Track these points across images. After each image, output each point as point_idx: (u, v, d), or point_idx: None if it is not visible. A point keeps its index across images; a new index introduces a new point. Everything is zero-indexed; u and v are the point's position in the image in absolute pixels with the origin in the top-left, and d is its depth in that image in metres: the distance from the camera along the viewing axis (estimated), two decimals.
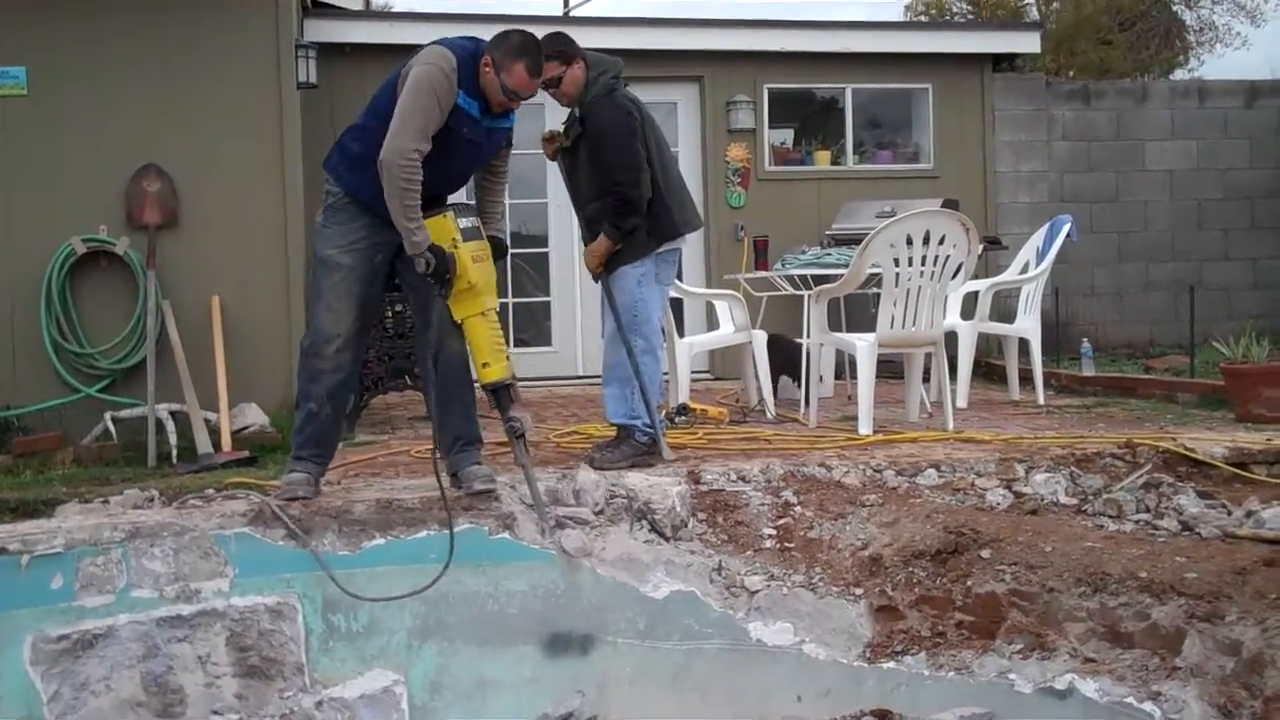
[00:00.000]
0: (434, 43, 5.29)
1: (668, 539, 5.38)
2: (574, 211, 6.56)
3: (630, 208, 6.11)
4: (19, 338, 8.38)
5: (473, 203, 5.60)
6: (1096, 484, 5.81)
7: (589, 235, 6.34)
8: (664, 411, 6.75)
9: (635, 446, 6.16)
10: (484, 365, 5.29)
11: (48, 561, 4.84)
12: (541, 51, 5.36)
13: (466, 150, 5.37)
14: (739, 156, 11.63)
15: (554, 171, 11.28)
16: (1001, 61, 12.46)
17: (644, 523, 5.40)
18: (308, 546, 5.03)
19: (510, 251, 11.38)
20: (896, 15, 25.23)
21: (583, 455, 6.44)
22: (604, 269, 6.28)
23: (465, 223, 5.25)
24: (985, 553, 5.00)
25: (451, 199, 5.51)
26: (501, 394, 5.32)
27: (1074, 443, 6.45)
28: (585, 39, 6.26)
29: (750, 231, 11.32)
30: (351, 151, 5.32)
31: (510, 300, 11.62)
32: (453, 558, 5.03)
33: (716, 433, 7.25)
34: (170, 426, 8.03)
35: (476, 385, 5.51)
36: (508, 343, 11.31)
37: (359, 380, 8.29)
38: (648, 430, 6.19)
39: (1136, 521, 5.40)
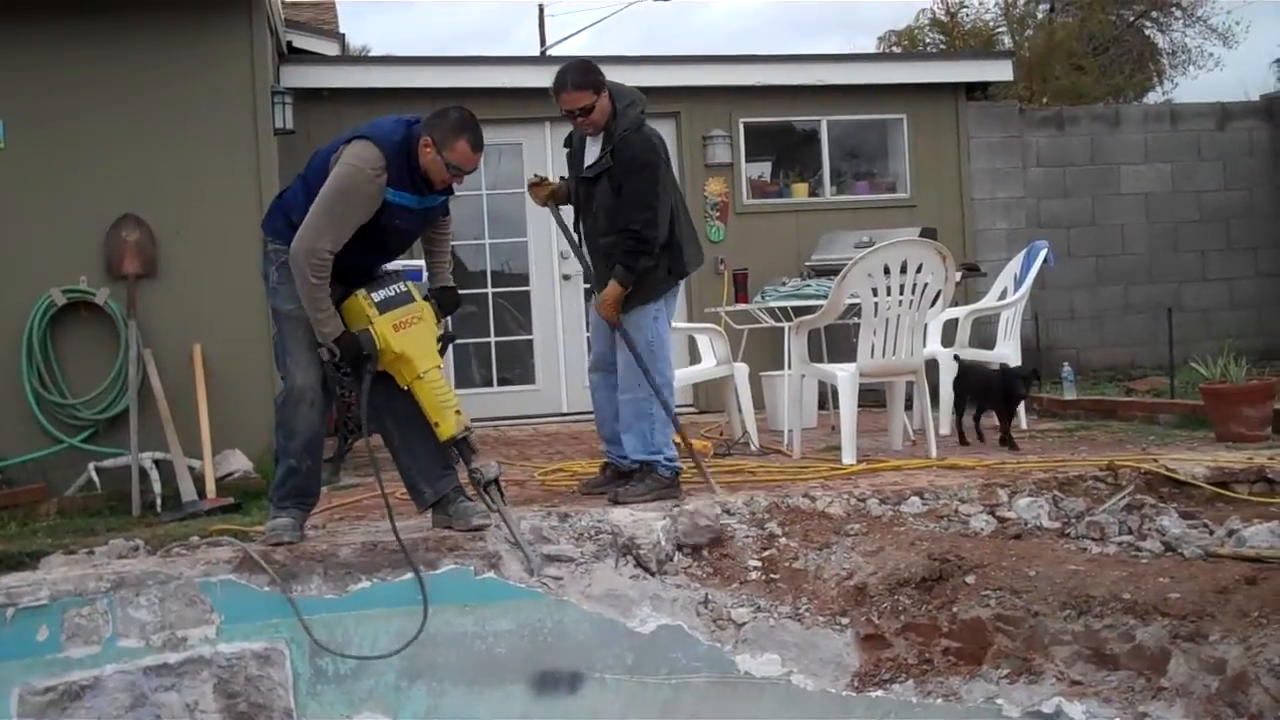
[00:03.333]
0: (363, 135, 5.25)
1: (653, 574, 5.39)
2: (579, 245, 6.38)
3: (646, 248, 6.01)
4: (0, 390, 8.35)
5: (397, 267, 5.63)
6: (1079, 507, 5.83)
7: (601, 269, 6.18)
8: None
9: (659, 480, 6.06)
10: (435, 425, 5.35)
11: (33, 614, 4.83)
12: (479, 127, 5.30)
13: (398, 235, 5.44)
14: (717, 190, 11.68)
15: (533, 211, 11.37)
16: (975, 90, 12.54)
17: (629, 558, 5.41)
18: (288, 596, 5.02)
19: (491, 290, 11.59)
20: (870, 47, 25.38)
21: (567, 493, 6.45)
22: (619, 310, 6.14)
23: (382, 295, 5.31)
24: (970, 579, 5.02)
25: None
26: (461, 446, 5.37)
27: (1056, 466, 6.47)
28: None
29: (730, 265, 11.36)
30: (290, 218, 5.33)
31: (493, 339, 11.64)
32: (440, 600, 5.05)
33: None
34: (154, 475, 8.00)
35: None
36: (492, 382, 11.56)
37: (344, 424, 8.33)
38: (670, 465, 6.14)
39: (1119, 543, 5.41)
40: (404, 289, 5.37)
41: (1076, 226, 12.61)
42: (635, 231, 5.99)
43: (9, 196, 8.45)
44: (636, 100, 6.18)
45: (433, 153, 5.22)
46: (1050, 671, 4.57)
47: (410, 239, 5.60)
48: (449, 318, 5.77)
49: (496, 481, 5.35)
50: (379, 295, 5.30)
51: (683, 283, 6.52)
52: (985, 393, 7.88)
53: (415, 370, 5.30)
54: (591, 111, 6.05)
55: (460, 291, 5.85)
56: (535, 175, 6.57)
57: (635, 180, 6.02)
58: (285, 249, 5.34)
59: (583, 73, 6.07)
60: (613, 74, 6.22)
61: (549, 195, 6.45)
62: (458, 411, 5.36)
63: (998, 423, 7.77)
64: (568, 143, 6.45)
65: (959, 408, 8.04)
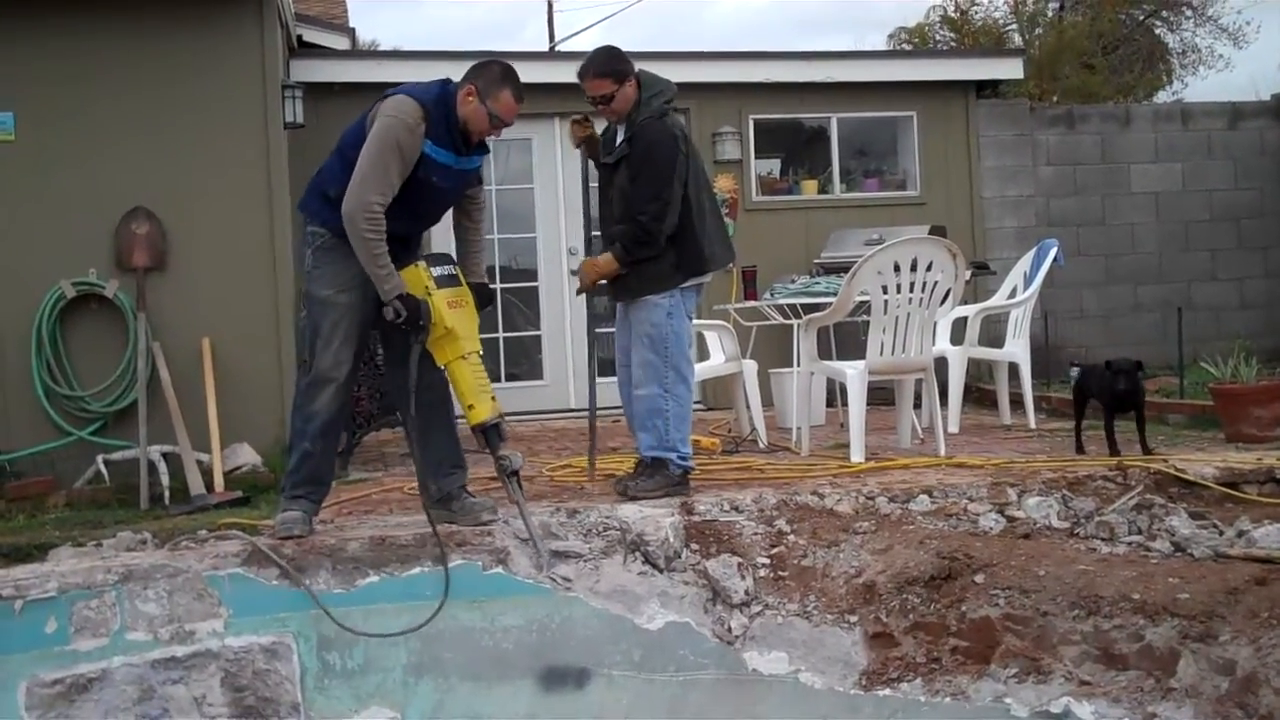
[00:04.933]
0: (399, 90, 5.30)
1: (661, 570, 5.38)
2: (600, 228, 6.33)
3: (648, 239, 5.94)
4: (10, 382, 8.38)
5: (448, 252, 5.64)
6: (1088, 507, 5.82)
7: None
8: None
9: (669, 477, 6.02)
10: (470, 407, 5.34)
11: (41, 606, 4.84)
12: (520, 81, 5.36)
13: (436, 196, 5.43)
14: (726, 187, 11.62)
15: (542, 207, 11.42)
16: (985, 88, 12.49)
17: (637, 554, 5.41)
18: (301, 584, 5.03)
19: (500, 286, 11.57)
20: (880, 44, 25.35)
21: (575, 489, 6.44)
22: (623, 297, 6.12)
23: (440, 271, 5.33)
24: (979, 578, 5.01)
25: (433, 239, 5.53)
26: (490, 433, 5.36)
27: (1065, 466, 6.46)
28: (571, 74, 6.26)
29: (739, 262, 11.33)
30: (328, 194, 5.33)
31: (501, 335, 11.62)
32: (448, 594, 5.05)
33: (709, 463, 7.24)
34: (163, 468, 8.02)
35: (461, 420, 5.55)
36: (500, 378, 11.55)
37: (351, 418, 8.32)
38: (682, 463, 6.09)
39: (1129, 543, 5.40)
40: (455, 271, 5.40)
41: (1086, 225, 12.56)
42: (640, 222, 5.94)
43: (19, 189, 8.48)
44: (663, 90, 6.14)
45: (476, 102, 5.25)
46: (1059, 671, 4.55)
47: (445, 202, 5.57)
48: None
49: (517, 473, 5.36)
50: (437, 271, 5.32)
51: (704, 281, 6.36)
52: (1102, 395, 7.28)
53: (460, 349, 5.31)
54: (612, 100, 6.02)
55: None
56: (579, 115, 6.47)
57: (649, 170, 5.96)
58: (321, 230, 5.35)
59: (607, 61, 6.05)
60: None
61: (584, 139, 6.38)
62: (493, 398, 5.38)
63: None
64: (604, 131, 6.39)
65: (1106, 417, 7.22)
